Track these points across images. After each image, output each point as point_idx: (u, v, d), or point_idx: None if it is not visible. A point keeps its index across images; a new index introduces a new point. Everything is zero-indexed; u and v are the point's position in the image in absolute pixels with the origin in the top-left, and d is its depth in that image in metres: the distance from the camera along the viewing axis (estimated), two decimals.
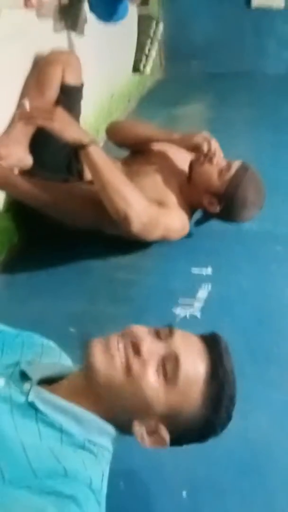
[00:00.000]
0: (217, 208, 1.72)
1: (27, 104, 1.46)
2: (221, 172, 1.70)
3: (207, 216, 1.81)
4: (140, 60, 3.30)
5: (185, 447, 0.88)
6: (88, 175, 1.83)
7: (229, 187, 1.69)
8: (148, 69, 3.35)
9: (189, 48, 3.62)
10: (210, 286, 1.63)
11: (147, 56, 3.32)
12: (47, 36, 2.05)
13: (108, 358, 0.82)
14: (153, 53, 3.34)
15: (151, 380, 0.81)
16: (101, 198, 1.54)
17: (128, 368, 0.81)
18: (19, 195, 1.67)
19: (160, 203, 1.66)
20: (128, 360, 0.82)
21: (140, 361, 0.82)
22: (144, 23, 3.24)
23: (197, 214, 1.84)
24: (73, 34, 2.26)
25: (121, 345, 0.83)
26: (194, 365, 0.83)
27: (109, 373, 0.81)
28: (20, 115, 1.46)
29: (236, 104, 3.18)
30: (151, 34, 3.27)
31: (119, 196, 1.50)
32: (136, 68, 3.33)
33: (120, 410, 0.84)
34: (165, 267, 1.75)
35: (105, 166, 1.50)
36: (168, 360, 0.82)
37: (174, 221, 1.69)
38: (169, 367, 0.82)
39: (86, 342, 0.84)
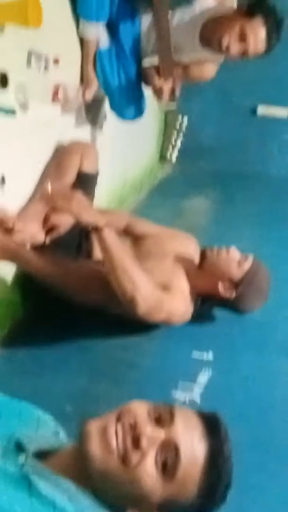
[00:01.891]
0: (233, 294, 1.77)
1: (49, 187, 1.57)
2: (239, 261, 1.79)
3: (211, 304, 1.85)
4: (167, 149, 3.76)
5: None
6: (96, 255, 1.90)
7: (247, 275, 1.77)
8: (174, 158, 3.78)
9: (199, 148, 3.87)
10: (210, 371, 1.63)
11: (173, 146, 3.76)
12: (69, 128, 2.23)
13: (105, 448, 0.80)
14: (179, 143, 3.75)
15: (149, 473, 0.79)
16: (109, 279, 1.59)
17: (125, 459, 0.79)
18: (29, 268, 1.72)
19: (166, 287, 1.71)
20: (127, 452, 0.80)
21: (138, 454, 0.80)
22: (170, 117, 3.71)
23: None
24: (93, 128, 2.45)
25: (120, 435, 0.80)
26: (194, 455, 0.81)
27: (105, 463, 0.79)
28: (42, 196, 1.55)
29: (241, 201, 3.34)
30: (177, 126, 3.74)
31: (127, 279, 1.56)
32: (162, 157, 3.76)
33: (114, 496, 0.82)
34: (166, 349, 1.75)
35: (117, 249, 1.57)
36: (167, 448, 0.80)
37: (178, 306, 1.73)
38: (169, 457, 0.80)
39: (82, 423, 0.83)
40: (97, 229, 1.56)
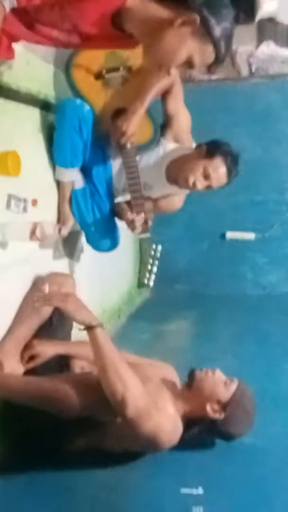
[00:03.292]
0: (221, 415, 1.74)
1: (46, 288, 1.67)
2: (226, 383, 1.80)
3: (199, 429, 1.79)
4: (144, 276, 4.03)
5: None
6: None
7: (235, 396, 1.77)
8: (151, 283, 4.03)
9: (175, 272, 4.03)
10: (202, 510, 1.52)
11: (150, 272, 4.03)
12: (47, 262, 2.32)
13: None
14: (155, 269, 4.03)
15: None
16: (99, 379, 1.61)
17: None
18: (12, 395, 1.71)
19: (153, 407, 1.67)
20: None
21: None
22: (145, 245, 4.02)
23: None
24: (70, 261, 2.56)
25: None
26: None
27: None
28: (38, 297, 1.66)
29: (219, 321, 3.40)
30: (152, 253, 4.03)
31: (118, 378, 1.57)
32: (140, 282, 4.01)
33: None
34: (153, 486, 1.65)
35: (109, 348, 1.62)
36: None
37: (167, 422, 1.68)
38: None
39: None
40: (91, 327, 1.62)
